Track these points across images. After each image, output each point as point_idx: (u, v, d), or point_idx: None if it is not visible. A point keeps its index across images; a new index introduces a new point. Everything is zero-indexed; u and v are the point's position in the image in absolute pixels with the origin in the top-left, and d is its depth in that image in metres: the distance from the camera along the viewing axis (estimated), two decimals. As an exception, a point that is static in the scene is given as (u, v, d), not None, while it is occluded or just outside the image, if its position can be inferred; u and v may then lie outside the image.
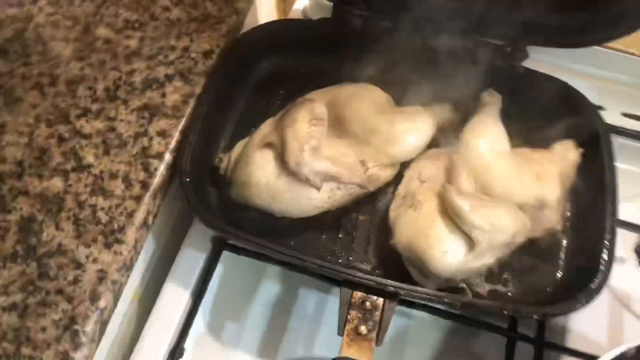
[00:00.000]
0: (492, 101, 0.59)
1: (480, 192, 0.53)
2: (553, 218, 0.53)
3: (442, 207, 0.50)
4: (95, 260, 0.48)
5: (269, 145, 0.52)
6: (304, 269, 0.50)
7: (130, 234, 0.49)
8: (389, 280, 0.48)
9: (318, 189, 0.51)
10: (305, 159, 0.50)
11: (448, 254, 0.49)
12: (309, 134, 0.51)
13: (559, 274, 0.55)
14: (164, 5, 0.62)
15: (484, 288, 0.53)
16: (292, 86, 0.62)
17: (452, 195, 0.49)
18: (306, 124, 0.52)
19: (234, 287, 0.59)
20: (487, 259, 0.50)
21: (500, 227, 0.49)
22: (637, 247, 0.62)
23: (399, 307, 0.55)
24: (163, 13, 0.62)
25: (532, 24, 0.58)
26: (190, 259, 0.56)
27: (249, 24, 0.66)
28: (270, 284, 0.59)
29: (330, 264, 0.49)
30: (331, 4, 0.62)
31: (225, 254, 0.57)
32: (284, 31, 0.62)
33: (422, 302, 0.50)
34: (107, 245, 0.48)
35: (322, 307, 0.58)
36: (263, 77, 0.64)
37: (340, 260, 0.55)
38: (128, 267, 0.50)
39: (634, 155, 0.65)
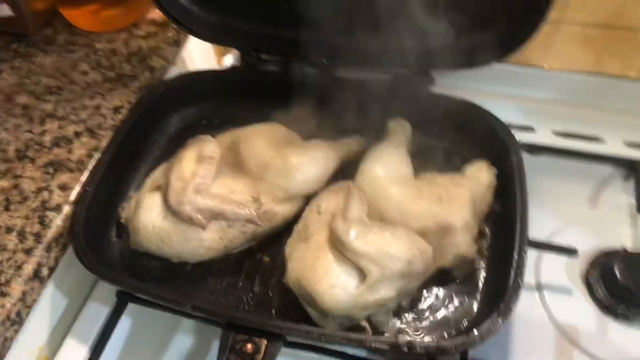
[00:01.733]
0: (398, 130, 0.58)
1: (378, 221, 0.50)
2: (461, 243, 0.49)
3: (330, 238, 0.48)
4: (-23, 315, 0.47)
5: (157, 188, 0.52)
6: (190, 314, 0.48)
7: (16, 287, 0.49)
8: (271, 320, 0.45)
9: (203, 227, 0.49)
10: (187, 198, 0.49)
11: (337, 287, 0.45)
12: (193, 173, 0.51)
13: (475, 306, 0.49)
14: (82, 70, 0.66)
15: (391, 325, 0.49)
16: (208, 134, 0.63)
17: (337, 223, 0.47)
18: (192, 163, 0.51)
19: (145, 341, 0.56)
20: (385, 292, 0.46)
21: (390, 254, 0.45)
22: (585, 275, 0.56)
23: (314, 356, 0.51)
24: (81, 77, 0.65)
25: (433, 50, 0.57)
26: (94, 312, 0.55)
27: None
28: (184, 337, 0.56)
29: (209, 306, 0.47)
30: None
31: (134, 307, 0.55)
32: (190, 82, 0.64)
33: (311, 342, 0.46)
34: (-9, 299, 0.48)
35: None
36: (179, 127, 0.65)
37: (240, 305, 0.52)
38: (14, 321, 0.48)
39: (571, 174, 0.61)
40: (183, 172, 0.50)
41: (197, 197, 0.49)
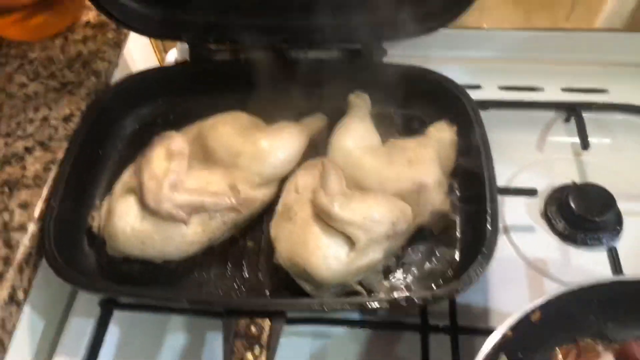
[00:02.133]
0: (359, 102, 0.59)
1: (357, 191, 0.51)
2: (436, 199, 0.52)
3: (316, 213, 0.49)
4: (-44, 351, 0.44)
5: (129, 191, 0.51)
6: (187, 309, 0.48)
7: (-6, 315, 0.46)
8: (269, 299, 0.45)
9: (185, 222, 0.49)
10: (165, 195, 0.48)
11: (329, 258, 0.47)
12: (166, 170, 0.50)
13: (457, 256, 0.53)
14: (20, 82, 0.62)
15: (382, 285, 0.51)
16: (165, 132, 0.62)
17: (320, 197, 0.48)
18: (162, 160, 0.51)
19: (136, 345, 0.55)
20: (374, 255, 0.48)
21: (374, 218, 0.47)
22: (544, 211, 0.61)
23: (313, 328, 0.53)
24: (20, 90, 0.61)
25: (378, 22, 0.59)
26: (78, 327, 0.53)
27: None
28: (175, 335, 0.55)
29: (205, 297, 0.47)
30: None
31: (120, 315, 0.54)
32: (142, 82, 0.62)
33: (313, 315, 0.48)
34: (-32, 332, 0.45)
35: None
36: (135, 130, 0.63)
37: (232, 293, 0.52)
38: (-3, 351, 0.46)
39: (518, 124, 0.65)
40: (155, 171, 0.50)
41: (175, 194, 0.49)
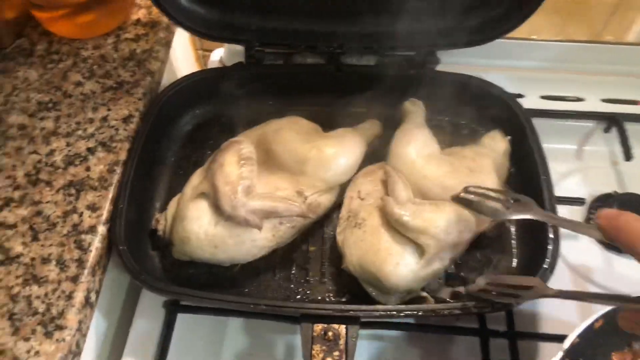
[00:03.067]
0: (414, 109, 0.61)
1: (419, 198, 0.53)
2: (497, 207, 0.54)
3: (385, 220, 0.50)
4: (37, 353, 0.45)
5: (201, 195, 0.51)
6: (260, 313, 0.49)
7: (72, 317, 0.47)
8: (346, 305, 0.47)
9: (259, 228, 0.50)
10: (240, 201, 0.49)
11: (400, 265, 0.48)
12: (239, 176, 0.51)
13: (514, 263, 0.55)
14: (75, 81, 0.62)
15: (446, 291, 0.52)
16: (219, 134, 0.62)
17: (392, 207, 0.49)
18: (235, 166, 0.51)
19: (197, 348, 0.56)
20: (441, 262, 0.50)
21: (445, 228, 0.49)
22: (586, 219, 0.63)
23: (370, 331, 0.54)
24: (76, 89, 0.61)
25: (436, 30, 0.60)
26: (145, 329, 0.54)
27: (169, 81, 0.66)
28: (235, 338, 0.57)
29: (282, 302, 0.48)
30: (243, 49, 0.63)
31: (182, 317, 0.55)
32: (201, 83, 0.63)
33: (384, 320, 0.49)
34: (48, 335, 0.45)
35: (292, 352, 0.56)
36: (189, 131, 0.64)
37: (298, 297, 0.53)
38: (75, 353, 0.47)
39: (558, 133, 0.67)
40: (229, 177, 0.50)
41: (249, 199, 0.50)
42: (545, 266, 0.49)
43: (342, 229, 0.53)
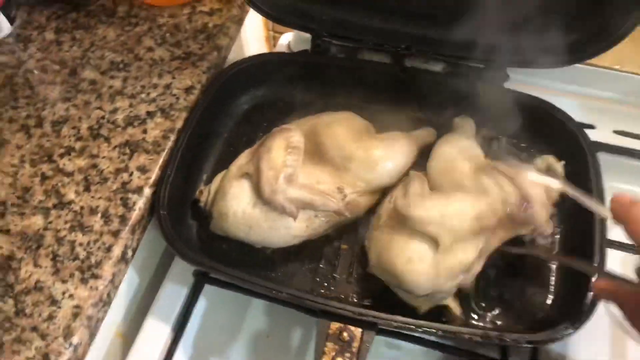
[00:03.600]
0: (464, 125, 0.59)
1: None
2: (541, 214, 0.50)
3: (398, 219, 0.49)
4: (71, 296, 0.48)
5: (245, 175, 0.52)
6: (281, 300, 0.50)
7: (107, 269, 0.49)
8: (366, 310, 0.47)
9: (294, 217, 0.50)
10: (280, 187, 0.50)
11: (414, 260, 0.46)
12: (284, 163, 0.51)
13: (549, 299, 0.52)
14: (147, 46, 0.64)
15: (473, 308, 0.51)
16: (274, 118, 0.63)
17: (397, 200, 0.48)
18: (282, 152, 0.52)
19: (218, 321, 0.58)
20: (464, 255, 0.47)
21: (453, 214, 0.46)
22: (638, 268, 0.59)
23: (388, 339, 0.54)
24: (147, 53, 0.64)
25: (510, 46, 0.58)
26: (172, 293, 0.56)
27: (236, 57, 0.67)
28: (255, 318, 0.58)
29: (305, 294, 0.48)
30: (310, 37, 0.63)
31: (209, 288, 0.56)
32: (264, 65, 0.63)
33: (402, 331, 0.49)
34: (84, 281, 0.48)
35: (308, 341, 0.57)
36: (245, 110, 0.65)
37: (322, 291, 0.54)
38: (105, 302, 0.49)
39: (626, 172, 0.63)
40: (274, 162, 0.51)
41: (289, 187, 0.50)
42: (582, 310, 0.46)
43: (369, 233, 0.53)
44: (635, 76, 0.65)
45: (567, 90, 0.67)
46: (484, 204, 0.48)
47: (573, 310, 0.47)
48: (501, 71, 0.60)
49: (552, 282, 0.53)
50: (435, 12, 0.58)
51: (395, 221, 0.49)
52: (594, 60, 0.56)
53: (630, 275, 0.56)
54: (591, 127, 0.65)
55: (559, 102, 0.60)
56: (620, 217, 0.40)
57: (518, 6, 0.54)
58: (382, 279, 0.50)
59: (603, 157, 0.62)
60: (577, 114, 0.61)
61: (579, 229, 0.53)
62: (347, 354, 0.46)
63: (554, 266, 0.54)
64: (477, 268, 0.49)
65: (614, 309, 0.56)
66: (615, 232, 0.55)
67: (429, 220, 0.46)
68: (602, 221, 0.51)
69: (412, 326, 0.46)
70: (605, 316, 0.56)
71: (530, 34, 0.56)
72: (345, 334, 0.46)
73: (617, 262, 0.59)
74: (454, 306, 0.49)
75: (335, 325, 0.47)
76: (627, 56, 0.68)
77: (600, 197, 0.53)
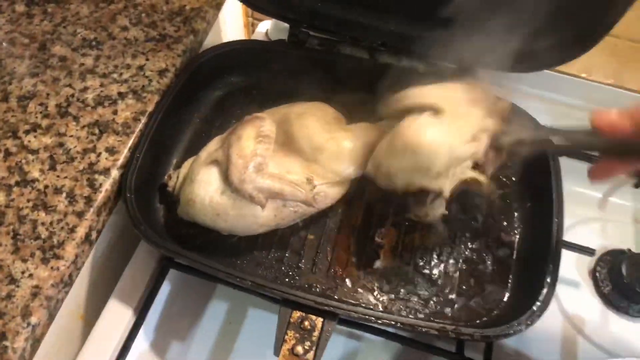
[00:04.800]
0: None
1: None
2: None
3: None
4: (30, 276, 0.47)
5: (214, 162, 0.52)
6: (244, 288, 0.50)
7: (70, 250, 0.49)
8: (327, 300, 0.47)
9: (262, 206, 0.51)
10: (249, 176, 0.50)
11: (422, 129, 0.47)
12: (254, 152, 0.51)
13: (506, 297, 0.54)
14: (122, 25, 0.63)
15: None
16: (248, 105, 0.63)
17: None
18: (252, 141, 0.52)
19: (182, 306, 0.58)
20: (468, 118, 0.48)
21: (450, 90, 0.50)
22: (593, 270, 0.62)
23: (351, 330, 0.55)
24: (121, 32, 0.63)
25: (483, 49, 0.59)
26: (136, 276, 0.56)
27: (213, 43, 0.67)
28: (219, 304, 0.58)
29: (268, 282, 0.49)
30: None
31: (173, 273, 0.56)
32: (240, 52, 0.63)
33: (362, 322, 0.50)
34: (44, 261, 0.48)
35: (270, 330, 0.57)
36: (219, 96, 0.65)
37: (286, 280, 0.54)
38: (66, 283, 0.49)
39: (586, 178, 0.65)
40: (244, 150, 0.51)
41: (258, 176, 0.50)
42: (534, 308, 0.48)
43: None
44: (601, 85, 0.67)
45: (534, 94, 0.69)
46: (471, 85, 0.51)
47: (527, 308, 0.49)
48: (472, 73, 0.61)
49: (510, 280, 0.55)
50: (412, 10, 0.59)
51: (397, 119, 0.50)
52: (562, 68, 0.58)
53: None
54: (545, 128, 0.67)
55: (525, 105, 0.62)
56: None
57: (494, 11, 0.56)
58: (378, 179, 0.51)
59: (564, 161, 0.65)
60: (543, 118, 0.63)
61: (536, 233, 0.55)
62: (307, 343, 0.46)
63: (512, 265, 0.56)
64: (485, 140, 0.48)
65: (567, 307, 0.59)
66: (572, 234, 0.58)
67: (429, 94, 0.48)
68: (560, 225, 0.53)
69: (372, 317, 0.47)
70: (558, 314, 0.59)
71: (503, 39, 0.58)
72: (306, 323, 0.47)
73: (571, 262, 0.62)
74: (478, 176, 0.49)
75: (296, 314, 0.47)
76: (594, 65, 0.70)
77: (559, 200, 0.55)
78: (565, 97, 0.69)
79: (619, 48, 0.68)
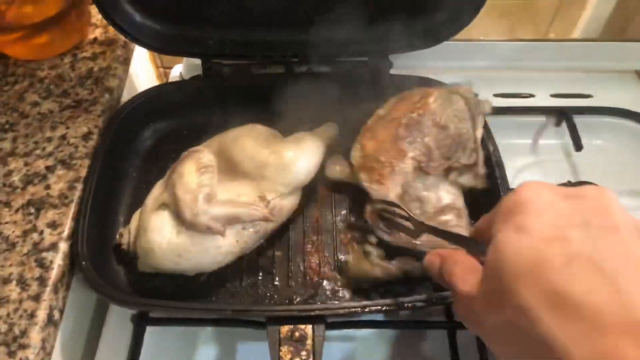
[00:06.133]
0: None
1: None
2: None
3: None
4: (-1, 375, 0.44)
5: (162, 206, 0.52)
6: (230, 320, 0.49)
7: (34, 336, 0.46)
8: (311, 305, 0.48)
9: (222, 234, 0.50)
10: (201, 208, 0.50)
11: None
12: (199, 184, 0.51)
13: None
14: (32, 101, 0.62)
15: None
16: (180, 147, 0.62)
17: None
18: (194, 175, 0.52)
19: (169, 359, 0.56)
20: None
21: None
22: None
23: (341, 332, 0.55)
24: (33, 109, 0.61)
25: (386, 35, 0.62)
26: (113, 344, 0.53)
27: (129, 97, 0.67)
28: (206, 348, 0.56)
29: (248, 306, 0.48)
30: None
31: (150, 330, 0.54)
32: (158, 97, 0.63)
33: (350, 318, 0.50)
34: (11, 354, 0.45)
35: (263, 356, 0.56)
36: (149, 145, 0.64)
37: (266, 301, 0.54)
38: (40, 372, 0.46)
39: (513, 129, 0.70)
40: (189, 185, 0.51)
41: (210, 206, 0.50)
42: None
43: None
44: (499, 43, 0.73)
45: (447, 67, 0.73)
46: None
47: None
48: (384, 60, 0.64)
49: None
50: (312, 17, 0.62)
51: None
52: (465, 36, 0.62)
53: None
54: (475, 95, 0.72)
55: (443, 78, 0.66)
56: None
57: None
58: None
59: (491, 119, 0.69)
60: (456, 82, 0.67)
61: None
62: (303, 353, 0.46)
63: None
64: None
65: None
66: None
67: None
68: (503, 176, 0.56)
69: (357, 309, 0.47)
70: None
71: (399, 22, 0.61)
72: (297, 334, 0.47)
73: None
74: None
75: (285, 328, 0.47)
76: (489, 27, 0.76)
77: (497, 154, 0.58)
78: (474, 62, 0.73)
79: (508, 9, 0.75)
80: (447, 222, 0.53)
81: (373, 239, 0.54)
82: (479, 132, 0.59)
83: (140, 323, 0.54)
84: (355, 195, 0.59)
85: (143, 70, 0.79)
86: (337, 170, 0.60)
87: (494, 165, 0.57)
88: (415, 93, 0.60)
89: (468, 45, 0.71)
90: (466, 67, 0.73)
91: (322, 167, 0.59)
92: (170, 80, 0.74)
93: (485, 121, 0.60)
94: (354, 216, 0.59)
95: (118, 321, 0.54)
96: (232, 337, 0.56)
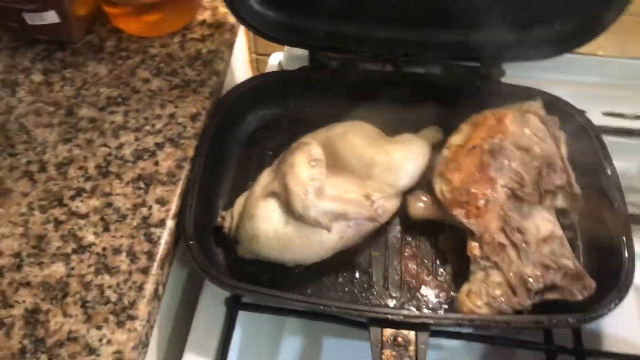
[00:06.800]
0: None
1: None
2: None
3: None
4: (109, 342, 0.45)
5: (271, 194, 0.52)
6: (327, 315, 0.49)
7: (142, 308, 0.47)
8: (417, 312, 0.47)
9: (329, 229, 0.50)
10: (311, 202, 0.49)
11: None
12: (310, 177, 0.51)
13: (582, 277, 0.54)
14: (143, 77, 0.63)
15: None
16: (280, 136, 0.63)
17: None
18: (305, 166, 0.51)
19: (255, 347, 0.56)
20: None
21: None
22: None
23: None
24: (144, 85, 0.62)
25: (503, 42, 0.60)
26: (207, 325, 0.54)
27: (229, 83, 0.67)
28: (292, 339, 0.57)
29: (354, 305, 0.48)
30: (305, 54, 0.64)
31: (242, 315, 0.55)
32: (266, 84, 0.63)
33: (454, 328, 0.49)
34: (120, 324, 0.46)
35: (349, 354, 0.56)
36: (252, 131, 0.64)
37: (360, 301, 0.53)
38: (144, 344, 0.47)
39: (619, 151, 0.66)
40: (300, 177, 0.50)
41: (320, 201, 0.50)
42: (620, 285, 0.47)
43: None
44: (614, 59, 0.69)
45: (557, 79, 0.70)
46: None
47: (609, 288, 0.48)
48: (497, 67, 0.62)
49: (581, 262, 0.55)
50: (428, 17, 0.60)
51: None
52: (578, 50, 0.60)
53: None
54: (583, 112, 0.69)
55: (550, 89, 0.63)
56: None
57: (509, 3, 0.57)
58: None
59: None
60: (571, 101, 0.64)
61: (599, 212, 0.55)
62: (407, 359, 0.45)
63: (580, 247, 0.56)
64: None
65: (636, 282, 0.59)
66: None
67: None
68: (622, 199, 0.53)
69: (465, 322, 0.46)
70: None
71: (519, 30, 0.59)
72: (400, 339, 0.46)
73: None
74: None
75: (388, 332, 0.46)
76: (605, 42, 0.72)
77: (616, 179, 0.55)
78: (583, 77, 0.70)
79: (623, 23, 0.71)
80: (552, 253, 0.50)
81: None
82: (564, 149, 0.56)
83: (233, 306, 0.54)
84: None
85: (239, 55, 0.79)
86: (422, 207, 0.55)
87: (613, 189, 0.54)
88: (488, 117, 0.57)
89: (582, 59, 0.68)
90: (577, 81, 0.70)
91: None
92: (268, 67, 0.74)
93: (603, 142, 0.57)
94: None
95: (211, 302, 0.55)
96: (317, 330, 0.56)
